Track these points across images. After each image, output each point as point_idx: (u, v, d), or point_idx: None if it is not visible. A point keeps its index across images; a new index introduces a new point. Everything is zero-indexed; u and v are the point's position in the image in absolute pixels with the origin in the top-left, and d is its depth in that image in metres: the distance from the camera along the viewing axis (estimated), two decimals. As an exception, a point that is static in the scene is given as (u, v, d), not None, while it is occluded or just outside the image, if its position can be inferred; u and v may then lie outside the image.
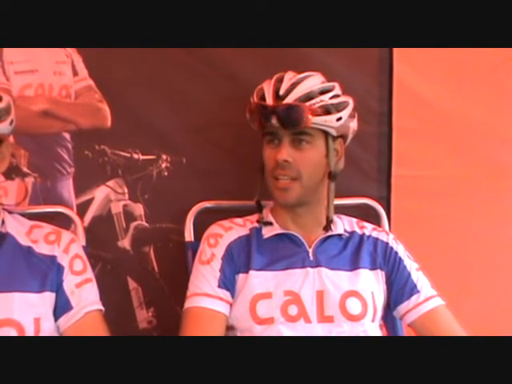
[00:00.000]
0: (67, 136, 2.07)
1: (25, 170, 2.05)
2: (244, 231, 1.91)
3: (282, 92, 1.84)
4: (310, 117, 1.82)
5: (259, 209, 1.95)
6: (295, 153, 1.84)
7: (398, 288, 1.90)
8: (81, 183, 2.08)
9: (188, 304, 1.84)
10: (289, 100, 1.83)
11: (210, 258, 1.87)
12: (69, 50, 2.05)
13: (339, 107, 1.86)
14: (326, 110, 1.84)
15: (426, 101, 2.21)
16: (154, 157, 2.10)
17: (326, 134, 1.86)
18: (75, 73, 2.05)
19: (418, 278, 1.91)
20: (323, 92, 1.86)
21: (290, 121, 1.82)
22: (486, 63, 2.21)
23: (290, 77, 1.87)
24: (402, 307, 1.89)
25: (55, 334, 1.74)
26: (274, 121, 1.83)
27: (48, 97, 2.04)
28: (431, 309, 1.88)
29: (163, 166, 2.10)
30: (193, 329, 1.82)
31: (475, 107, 2.22)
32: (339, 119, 1.86)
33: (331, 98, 1.86)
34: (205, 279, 1.85)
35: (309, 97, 1.84)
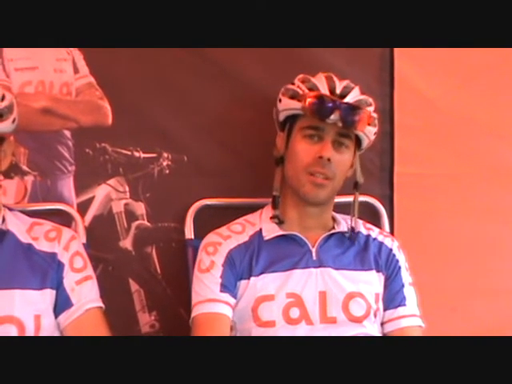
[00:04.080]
0: (68, 134, 2.05)
1: (24, 168, 2.03)
2: (243, 238, 1.88)
3: (339, 91, 1.82)
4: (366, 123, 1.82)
5: (275, 205, 1.89)
6: (335, 154, 1.82)
7: (390, 295, 1.88)
8: (81, 182, 2.06)
9: (193, 314, 1.82)
10: (349, 100, 1.81)
11: (210, 266, 1.84)
12: (70, 46, 2.04)
13: (376, 123, 1.87)
14: (373, 122, 1.85)
15: (428, 98, 2.20)
16: (155, 155, 2.08)
17: (356, 144, 1.86)
18: (76, 70, 2.04)
19: (410, 292, 1.89)
20: (369, 104, 1.86)
21: (351, 120, 1.79)
22: (488, 61, 2.20)
23: (335, 78, 1.84)
24: (386, 314, 1.87)
25: (55, 331, 1.74)
26: (334, 116, 1.79)
27: (48, 94, 2.02)
28: (412, 326, 1.86)
29: (164, 164, 2.08)
30: (199, 335, 1.79)
31: (478, 105, 2.22)
32: (375, 134, 1.88)
33: (374, 111, 1.87)
34: (206, 287, 1.82)
35: (364, 103, 1.84)
